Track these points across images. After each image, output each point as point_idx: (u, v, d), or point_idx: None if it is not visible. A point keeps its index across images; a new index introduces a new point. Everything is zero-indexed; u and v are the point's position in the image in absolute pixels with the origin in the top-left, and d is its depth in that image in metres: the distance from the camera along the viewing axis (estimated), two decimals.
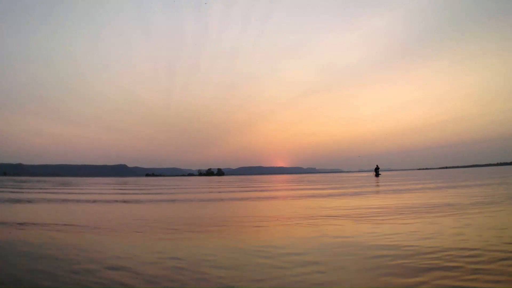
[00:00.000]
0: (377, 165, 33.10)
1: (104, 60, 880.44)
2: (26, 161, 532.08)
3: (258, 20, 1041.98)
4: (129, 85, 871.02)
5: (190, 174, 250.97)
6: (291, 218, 4.88)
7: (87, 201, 9.27)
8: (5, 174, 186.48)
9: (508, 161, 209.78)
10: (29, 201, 9.25)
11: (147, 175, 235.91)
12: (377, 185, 14.43)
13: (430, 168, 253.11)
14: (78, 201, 9.30)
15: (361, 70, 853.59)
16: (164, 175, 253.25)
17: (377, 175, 33.48)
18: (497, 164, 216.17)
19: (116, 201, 9.53)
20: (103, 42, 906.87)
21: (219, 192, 13.44)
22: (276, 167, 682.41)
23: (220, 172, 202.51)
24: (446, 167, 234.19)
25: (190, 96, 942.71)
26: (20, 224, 4.69)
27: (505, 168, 60.74)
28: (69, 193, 13.12)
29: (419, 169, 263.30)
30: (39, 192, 13.76)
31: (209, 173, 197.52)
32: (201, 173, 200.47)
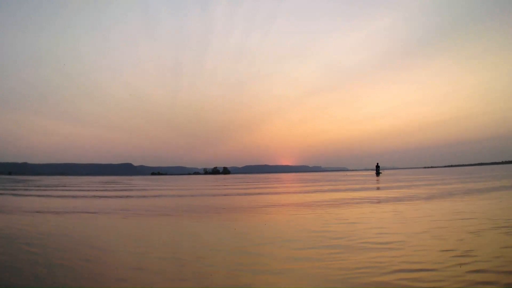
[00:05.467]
0: (377, 163, 33.12)
1: (110, 59, 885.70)
2: (31, 160, 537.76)
3: (263, 20, 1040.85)
4: (135, 84, 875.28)
5: (196, 172, 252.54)
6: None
7: None
8: (10, 173, 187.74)
9: None
10: None
11: (153, 173, 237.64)
12: (378, 188, 12.36)
13: (436, 167, 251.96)
14: None
15: (365, 69, 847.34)
16: (169, 174, 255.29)
17: (377, 173, 33.39)
18: (502, 163, 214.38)
19: None
20: (110, 42, 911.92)
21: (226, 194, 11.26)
22: (282, 165, 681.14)
23: (225, 171, 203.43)
24: (451, 166, 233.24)
25: (196, 95, 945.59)
26: None
27: None
28: None
29: (425, 167, 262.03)
30: None
31: (215, 171, 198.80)
32: (206, 172, 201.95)
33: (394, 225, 3.96)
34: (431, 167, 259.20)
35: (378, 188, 8.64)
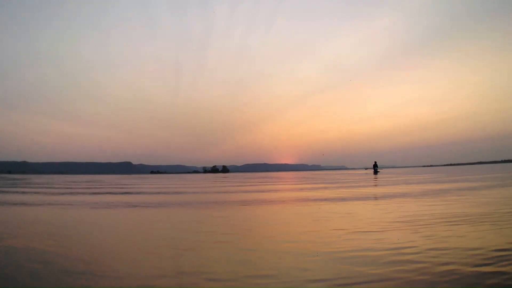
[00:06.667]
0: (375, 162, 32.71)
1: (111, 59, 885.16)
2: (31, 159, 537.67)
3: (263, 20, 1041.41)
4: (136, 83, 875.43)
5: (195, 171, 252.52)
6: None
7: None
8: (9, 172, 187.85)
9: None
10: None
11: (152, 172, 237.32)
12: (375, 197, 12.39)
13: (435, 165, 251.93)
14: None
15: (366, 69, 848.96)
16: (169, 173, 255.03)
17: (375, 172, 32.88)
18: (502, 162, 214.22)
19: None
20: (110, 42, 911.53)
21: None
22: (281, 164, 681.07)
23: (225, 169, 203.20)
24: (451, 164, 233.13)
25: (197, 94, 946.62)
26: None
27: None
28: None
29: (424, 166, 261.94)
30: None
31: (214, 170, 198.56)
32: (206, 170, 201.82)
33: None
34: (431, 165, 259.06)
35: (376, 198, 8.20)
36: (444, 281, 1.92)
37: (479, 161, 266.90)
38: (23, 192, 11.72)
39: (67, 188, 15.10)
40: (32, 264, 2.44)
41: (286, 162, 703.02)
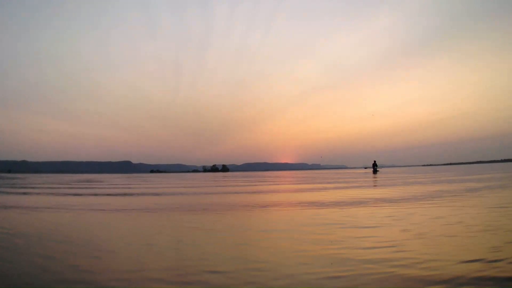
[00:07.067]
0: (374, 161, 32.78)
1: (111, 59, 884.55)
2: (31, 158, 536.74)
3: (264, 19, 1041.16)
4: (136, 83, 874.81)
5: (195, 170, 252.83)
6: None
7: None
8: (9, 171, 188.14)
9: None
10: None
11: (152, 171, 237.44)
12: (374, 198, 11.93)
13: (435, 165, 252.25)
14: None
15: (366, 68, 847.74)
16: (168, 172, 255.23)
17: (375, 171, 32.92)
18: (501, 161, 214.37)
19: None
20: (110, 42, 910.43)
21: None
22: (281, 163, 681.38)
23: (224, 169, 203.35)
24: (450, 164, 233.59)
25: (197, 93, 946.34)
26: None
27: None
28: None
29: (424, 165, 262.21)
30: None
31: (214, 169, 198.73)
32: (205, 170, 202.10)
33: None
34: (430, 165, 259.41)
35: (374, 198, 8.32)
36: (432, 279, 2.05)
37: (478, 160, 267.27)
38: (25, 193, 11.85)
39: (70, 188, 15.24)
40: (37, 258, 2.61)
41: (286, 162, 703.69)
